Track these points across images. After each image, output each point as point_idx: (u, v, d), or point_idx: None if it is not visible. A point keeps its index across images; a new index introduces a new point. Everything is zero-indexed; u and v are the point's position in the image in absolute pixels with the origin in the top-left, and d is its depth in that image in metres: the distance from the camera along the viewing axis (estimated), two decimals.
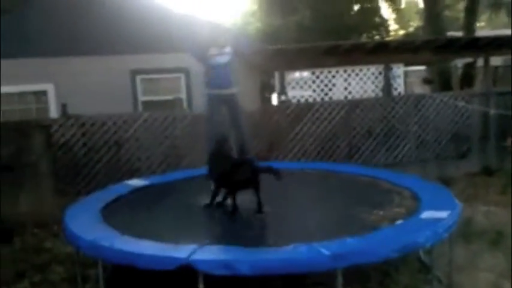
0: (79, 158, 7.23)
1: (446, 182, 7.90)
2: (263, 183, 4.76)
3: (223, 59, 5.30)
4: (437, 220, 3.79)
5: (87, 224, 4.03)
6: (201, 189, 5.30)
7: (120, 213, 4.51)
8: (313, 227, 4.01)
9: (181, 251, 3.26)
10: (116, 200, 4.94)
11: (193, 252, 3.23)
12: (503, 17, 28.08)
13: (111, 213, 4.43)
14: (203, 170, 6.57)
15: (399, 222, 3.90)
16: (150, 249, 3.38)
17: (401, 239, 3.45)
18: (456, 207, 4.15)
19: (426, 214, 3.96)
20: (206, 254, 3.25)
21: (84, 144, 7.25)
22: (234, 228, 4.21)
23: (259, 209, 4.41)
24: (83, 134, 7.24)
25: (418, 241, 3.50)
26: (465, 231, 5.20)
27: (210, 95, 5.33)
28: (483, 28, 23.86)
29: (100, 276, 3.71)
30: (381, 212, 4.20)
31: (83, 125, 7.24)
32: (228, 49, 5.34)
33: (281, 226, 4.16)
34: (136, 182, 5.82)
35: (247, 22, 23.54)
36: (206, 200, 4.80)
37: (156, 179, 6.13)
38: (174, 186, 5.77)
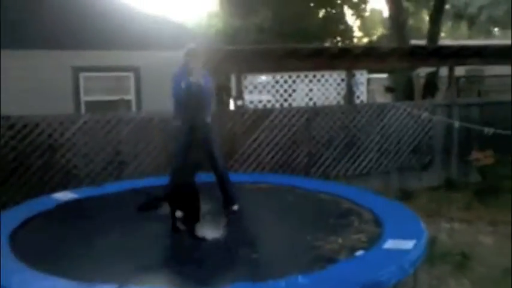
0: (6, 163, 6.39)
1: (408, 195, 7.65)
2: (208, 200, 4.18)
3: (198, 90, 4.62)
4: (403, 252, 3.30)
5: None
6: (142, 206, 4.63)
7: (34, 238, 3.78)
8: (257, 259, 3.43)
9: None
10: (34, 219, 4.20)
11: None
12: (463, 28, 28.71)
13: (23, 237, 3.71)
14: (148, 180, 5.99)
15: (359, 253, 3.37)
16: None
17: (361, 279, 2.91)
18: (423, 234, 3.69)
19: (390, 243, 3.47)
20: None
21: (14, 148, 6.42)
22: (167, 259, 3.56)
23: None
24: (12, 137, 6.42)
25: (380, 280, 2.97)
26: (428, 253, 4.79)
27: (179, 127, 4.71)
28: (444, 38, 24.16)
29: None
30: (339, 240, 3.67)
31: (13, 126, 6.42)
32: (203, 78, 4.69)
33: (220, 257, 3.54)
34: (63, 196, 5.07)
35: (212, 24, 22.89)
36: (146, 221, 4.17)
37: (89, 191, 5.41)
38: (110, 201, 5.05)
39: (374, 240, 3.60)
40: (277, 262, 3.35)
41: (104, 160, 6.87)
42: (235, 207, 4.67)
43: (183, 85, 4.63)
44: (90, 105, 8.36)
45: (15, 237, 3.68)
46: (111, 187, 5.61)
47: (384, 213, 4.19)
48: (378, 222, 4.06)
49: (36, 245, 3.64)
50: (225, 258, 3.53)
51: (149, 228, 4.11)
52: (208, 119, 4.76)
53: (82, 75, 8.32)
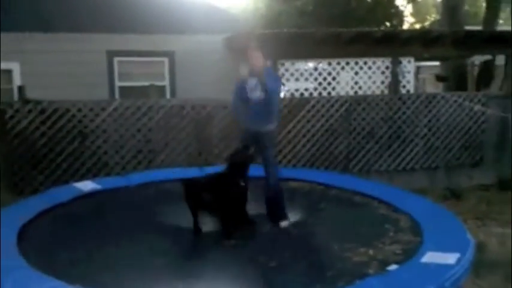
0: (37, 149, 6.35)
1: (456, 194, 7.14)
2: None
3: (262, 95, 4.15)
4: (443, 268, 2.86)
5: None
6: (170, 200, 4.36)
7: (43, 233, 3.58)
8: (275, 271, 3.07)
9: None
10: (48, 211, 4.01)
11: None
12: None
13: (31, 232, 3.52)
14: (179, 171, 5.75)
15: (391, 267, 2.96)
16: None
17: None
18: (468, 246, 3.22)
19: (429, 257, 3.03)
20: None
21: (44, 134, 6.37)
22: (180, 269, 3.24)
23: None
24: (43, 122, 6.36)
25: None
26: (475, 261, 4.29)
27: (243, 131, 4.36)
28: (501, 26, 22.61)
29: None
30: (370, 251, 3.26)
31: (43, 111, 6.35)
32: (269, 78, 4.19)
33: (230, 265, 3.21)
34: (84, 186, 4.86)
35: (258, 8, 22.40)
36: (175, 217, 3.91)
37: (113, 182, 5.19)
38: (134, 193, 4.81)
39: (410, 252, 3.17)
40: (296, 274, 2.99)
41: (134, 147, 6.74)
42: (285, 223, 4.12)
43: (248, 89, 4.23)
44: (124, 90, 8.20)
45: (24, 231, 3.50)
46: (136, 178, 5.38)
47: (425, 220, 3.73)
48: (416, 230, 3.62)
49: (43, 241, 3.44)
50: (236, 267, 3.19)
51: (170, 228, 3.82)
52: (273, 126, 4.29)
53: (116, 60, 8.15)
